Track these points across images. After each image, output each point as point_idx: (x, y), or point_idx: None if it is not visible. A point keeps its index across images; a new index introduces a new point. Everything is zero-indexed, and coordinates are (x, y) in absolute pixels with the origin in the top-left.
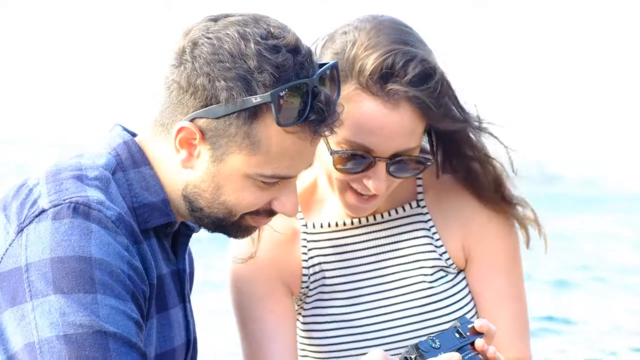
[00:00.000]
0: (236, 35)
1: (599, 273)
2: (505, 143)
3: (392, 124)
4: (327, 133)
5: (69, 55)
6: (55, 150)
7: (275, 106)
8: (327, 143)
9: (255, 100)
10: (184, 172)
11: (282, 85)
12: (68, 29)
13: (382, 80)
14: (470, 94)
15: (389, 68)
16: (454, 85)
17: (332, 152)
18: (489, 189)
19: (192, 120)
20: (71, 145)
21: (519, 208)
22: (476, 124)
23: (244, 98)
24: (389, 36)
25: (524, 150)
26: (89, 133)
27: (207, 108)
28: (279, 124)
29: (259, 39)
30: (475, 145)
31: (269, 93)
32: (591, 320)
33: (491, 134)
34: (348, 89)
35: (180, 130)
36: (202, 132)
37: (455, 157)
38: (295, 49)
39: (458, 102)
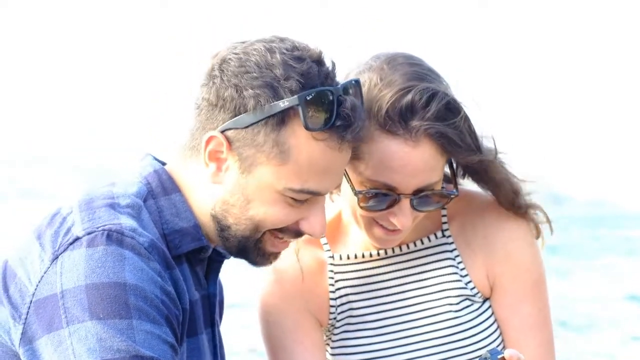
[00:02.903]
0: (262, 48)
1: None
2: (516, 168)
3: (414, 161)
4: (351, 138)
5: (69, 57)
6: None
7: (303, 110)
8: (351, 183)
9: (283, 104)
10: (212, 188)
11: (308, 90)
12: (68, 30)
13: (402, 117)
14: (485, 120)
15: (409, 105)
16: (472, 119)
17: (356, 193)
18: (511, 200)
19: (221, 131)
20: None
21: (532, 211)
22: (494, 154)
23: (272, 104)
24: (404, 75)
25: (532, 172)
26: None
27: (235, 118)
28: (307, 127)
29: (284, 50)
30: (500, 169)
31: (296, 96)
32: None
33: (508, 165)
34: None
35: (209, 140)
36: (230, 142)
37: (482, 182)
38: (320, 61)
39: (476, 137)
